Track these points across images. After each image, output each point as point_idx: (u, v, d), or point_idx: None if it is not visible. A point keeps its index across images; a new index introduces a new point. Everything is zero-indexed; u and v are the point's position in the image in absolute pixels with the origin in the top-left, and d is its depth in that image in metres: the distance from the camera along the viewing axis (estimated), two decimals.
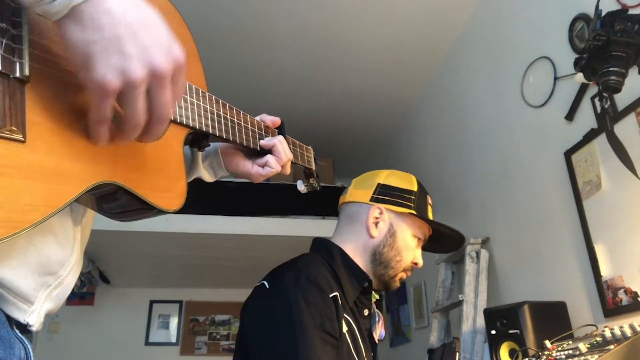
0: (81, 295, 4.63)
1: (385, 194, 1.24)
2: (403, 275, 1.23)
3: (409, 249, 1.22)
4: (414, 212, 1.22)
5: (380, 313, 1.25)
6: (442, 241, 1.31)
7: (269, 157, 0.90)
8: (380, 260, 1.20)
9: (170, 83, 0.52)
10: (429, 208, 1.26)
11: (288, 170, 0.96)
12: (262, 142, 0.90)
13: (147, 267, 4.23)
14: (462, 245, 1.30)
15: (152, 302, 4.79)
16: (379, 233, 1.21)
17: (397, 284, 1.23)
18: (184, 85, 0.56)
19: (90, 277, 4.39)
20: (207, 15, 2.74)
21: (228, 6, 2.70)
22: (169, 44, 0.52)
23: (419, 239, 1.24)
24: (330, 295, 1.05)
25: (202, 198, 3.23)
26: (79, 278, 4.29)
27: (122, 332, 4.60)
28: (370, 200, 1.24)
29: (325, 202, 3.31)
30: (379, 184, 1.26)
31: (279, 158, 0.91)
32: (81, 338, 4.47)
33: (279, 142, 0.92)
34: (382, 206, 1.22)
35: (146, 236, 3.27)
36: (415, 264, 1.24)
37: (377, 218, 1.22)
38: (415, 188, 1.25)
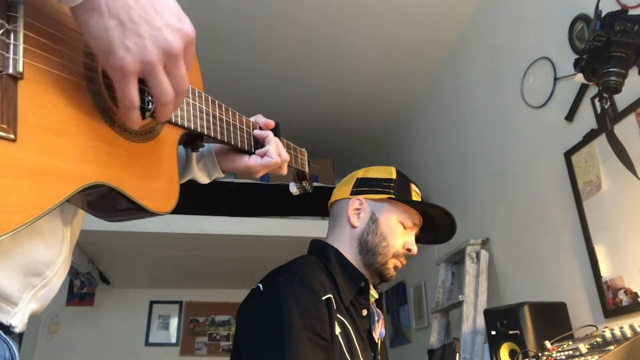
0: (81, 296, 4.62)
1: (363, 186, 1.27)
2: (396, 262, 1.23)
3: (394, 234, 1.22)
4: (392, 196, 1.23)
5: (380, 312, 1.25)
6: (436, 229, 1.31)
7: (269, 147, 0.90)
8: (367, 248, 1.21)
9: (183, 59, 0.55)
10: (414, 194, 1.27)
11: (285, 170, 0.96)
12: (255, 131, 0.91)
13: (147, 268, 4.22)
14: (454, 232, 1.30)
15: (152, 303, 4.78)
16: (360, 222, 1.23)
17: (392, 272, 1.23)
18: (193, 56, 0.58)
19: (90, 278, 4.38)
20: (210, 15, 2.73)
21: (230, 7, 2.70)
22: (180, 22, 0.54)
23: (407, 225, 1.24)
24: (323, 298, 1.05)
25: (202, 199, 3.22)
26: (79, 279, 4.29)
27: (122, 333, 4.59)
28: (350, 194, 1.26)
29: (325, 203, 3.31)
30: (357, 178, 1.29)
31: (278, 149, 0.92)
32: (81, 339, 4.46)
33: (273, 137, 0.92)
34: (362, 197, 1.25)
35: (146, 237, 3.25)
36: (409, 249, 1.23)
37: (357, 209, 1.25)
38: (394, 176, 1.27)
